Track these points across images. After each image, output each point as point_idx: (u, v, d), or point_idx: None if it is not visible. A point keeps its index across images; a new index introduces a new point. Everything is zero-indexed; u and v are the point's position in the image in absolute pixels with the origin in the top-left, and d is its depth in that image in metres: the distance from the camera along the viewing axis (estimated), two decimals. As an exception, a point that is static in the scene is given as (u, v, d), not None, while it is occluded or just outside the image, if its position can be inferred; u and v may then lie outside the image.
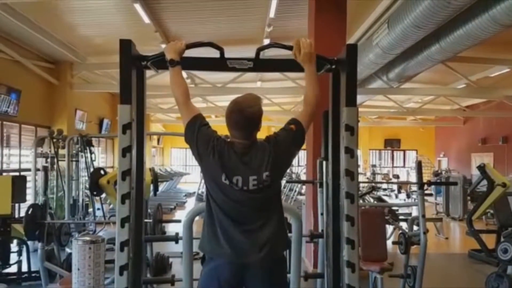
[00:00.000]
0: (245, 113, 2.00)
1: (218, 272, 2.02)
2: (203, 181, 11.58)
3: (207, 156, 2.02)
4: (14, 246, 5.25)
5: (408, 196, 14.64)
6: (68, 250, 5.29)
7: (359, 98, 2.41)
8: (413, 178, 16.64)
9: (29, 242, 5.17)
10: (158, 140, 19.85)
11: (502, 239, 5.13)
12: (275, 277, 2.07)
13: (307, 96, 2.17)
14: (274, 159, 2.02)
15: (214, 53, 2.32)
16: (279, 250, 2.12)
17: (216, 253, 2.03)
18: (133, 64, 2.17)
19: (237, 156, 2.01)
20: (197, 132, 2.05)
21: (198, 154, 2.05)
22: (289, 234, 3.33)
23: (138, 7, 6.53)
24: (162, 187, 13.90)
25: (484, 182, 6.00)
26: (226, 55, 2.30)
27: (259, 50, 2.36)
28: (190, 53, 2.27)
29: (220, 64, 2.29)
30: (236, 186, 1.98)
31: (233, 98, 2.08)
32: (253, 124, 2.03)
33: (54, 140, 7.09)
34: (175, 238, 3.36)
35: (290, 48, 2.25)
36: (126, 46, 2.13)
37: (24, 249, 5.22)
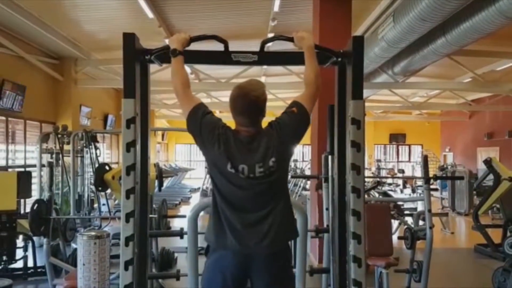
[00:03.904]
0: (250, 97, 1.97)
1: (223, 262, 1.99)
2: (208, 174, 11.68)
3: (212, 144, 1.98)
4: (19, 242, 5.26)
5: (414, 191, 14.62)
6: (73, 245, 5.30)
7: (364, 93, 2.40)
8: (418, 173, 16.62)
9: (34, 238, 5.19)
10: (163, 136, 19.87)
11: (508, 234, 5.10)
12: (279, 267, 2.02)
13: (306, 75, 2.14)
14: (279, 144, 1.99)
15: (218, 48, 2.30)
16: (283, 239, 2.05)
17: (221, 243, 2.00)
18: (136, 57, 2.16)
19: (242, 144, 1.98)
20: (200, 121, 2.01)
21: (203, 143, 2.02)
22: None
23: (142, 2, 6.52)
24: (167, 182, 13.92)
25: (490, 176, 5.95)
26: (230, 50, 2.27)
27: (264, 43, 2.34)
28: (195, 47, 2.24)
29: (224, 57, 2.28)
30: (242, 174, 1.95)
31: (236, 84, 2.05)
32: (258, 108, 2.00)
33: (59, 136, 7.11)
34: (180, 233, 3.35)
35: (293, 39, 2.23)
36: (129, 39, 2.11)
37: (30, 244, 5.25)
